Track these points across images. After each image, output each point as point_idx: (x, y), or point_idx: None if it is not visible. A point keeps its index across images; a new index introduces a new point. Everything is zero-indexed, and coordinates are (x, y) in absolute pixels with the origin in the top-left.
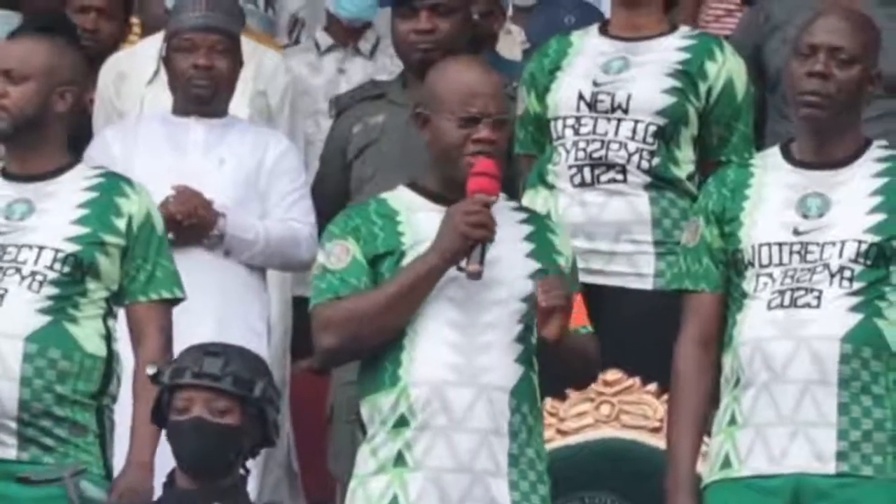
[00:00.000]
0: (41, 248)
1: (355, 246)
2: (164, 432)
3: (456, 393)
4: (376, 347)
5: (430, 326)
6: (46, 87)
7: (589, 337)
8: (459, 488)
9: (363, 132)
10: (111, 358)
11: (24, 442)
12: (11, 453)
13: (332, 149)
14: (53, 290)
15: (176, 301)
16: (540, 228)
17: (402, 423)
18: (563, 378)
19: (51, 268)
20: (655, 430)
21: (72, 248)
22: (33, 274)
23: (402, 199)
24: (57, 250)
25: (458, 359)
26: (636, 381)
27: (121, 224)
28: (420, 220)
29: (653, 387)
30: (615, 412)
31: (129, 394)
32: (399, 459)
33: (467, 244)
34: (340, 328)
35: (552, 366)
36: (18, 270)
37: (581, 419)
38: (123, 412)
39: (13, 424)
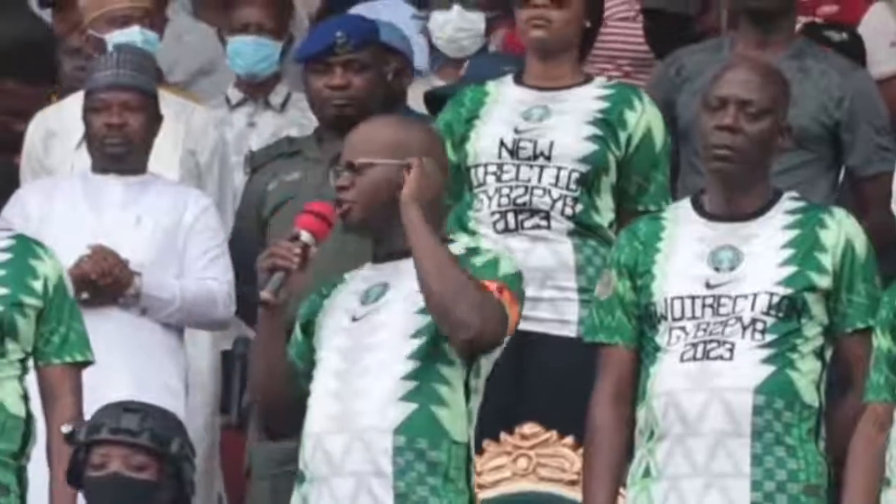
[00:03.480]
0: None
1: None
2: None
3: (333, 441)
4: (279, 408)
5: (319, 378)
6: None
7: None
8: None
9: (278, 189)
10: (29, 418)
11: None
12: None
13: (248, 206)
14: None
15: (86, 364)
16: (459, 260)
17: (302, 477)
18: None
19: None
20: (572, 483)
21: None
22: None
23: None
24: None
25: (336, 407)
26: (553, 434)
27: (38, 286)
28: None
29: (570, 440)
30: (532, 465)
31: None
32: None
33: (263, 275)
34: (250, 389)
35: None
36: None
37: (498, 473)
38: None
39: None
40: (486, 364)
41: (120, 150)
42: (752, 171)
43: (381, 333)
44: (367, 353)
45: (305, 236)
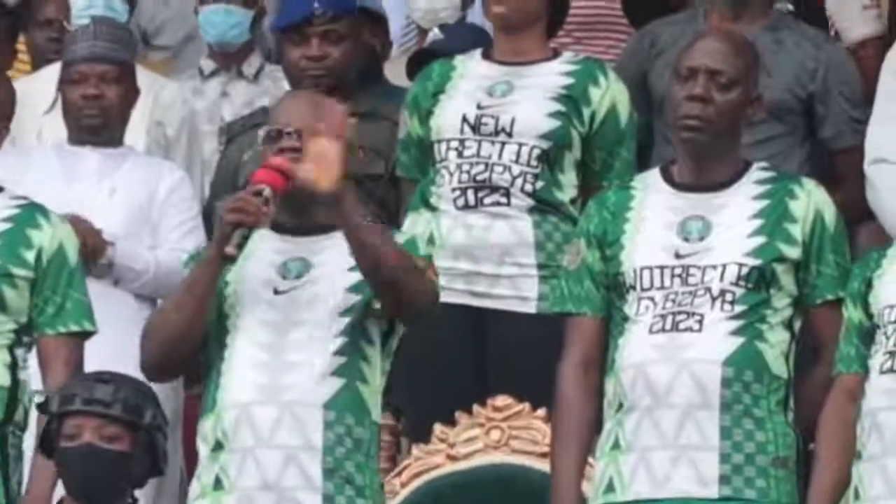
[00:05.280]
0: None
1: None
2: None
3: (261, 412)
4: (181, 354)
5: (242, 349)
6: None
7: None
8: None
9: (254, 159)
10: (15, 386)
11: None
12: None
13: (223, 175)
14: None
15: (87, 334)
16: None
17: (218, 446)
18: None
19: None
20: (545, 455)
21: None
22: None
23: None
24: None
25: (264, 379)
26: (525, 406)
27: (30, 256)
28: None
29: (542, 412)
30: (505, 437)
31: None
32: (217, 483)
33: (227, 229)
34: (150, 335)
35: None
36: None
37: (471, 445)
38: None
39: None
40: (395, 344)
41: (96, 122)
42: (722, 141)
43: (311, 309)
44: (296, 328)
45: (268, 192)
